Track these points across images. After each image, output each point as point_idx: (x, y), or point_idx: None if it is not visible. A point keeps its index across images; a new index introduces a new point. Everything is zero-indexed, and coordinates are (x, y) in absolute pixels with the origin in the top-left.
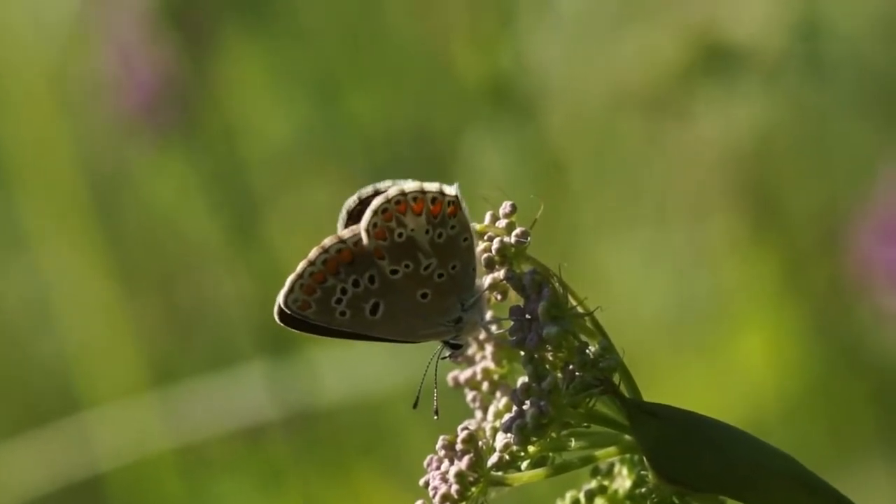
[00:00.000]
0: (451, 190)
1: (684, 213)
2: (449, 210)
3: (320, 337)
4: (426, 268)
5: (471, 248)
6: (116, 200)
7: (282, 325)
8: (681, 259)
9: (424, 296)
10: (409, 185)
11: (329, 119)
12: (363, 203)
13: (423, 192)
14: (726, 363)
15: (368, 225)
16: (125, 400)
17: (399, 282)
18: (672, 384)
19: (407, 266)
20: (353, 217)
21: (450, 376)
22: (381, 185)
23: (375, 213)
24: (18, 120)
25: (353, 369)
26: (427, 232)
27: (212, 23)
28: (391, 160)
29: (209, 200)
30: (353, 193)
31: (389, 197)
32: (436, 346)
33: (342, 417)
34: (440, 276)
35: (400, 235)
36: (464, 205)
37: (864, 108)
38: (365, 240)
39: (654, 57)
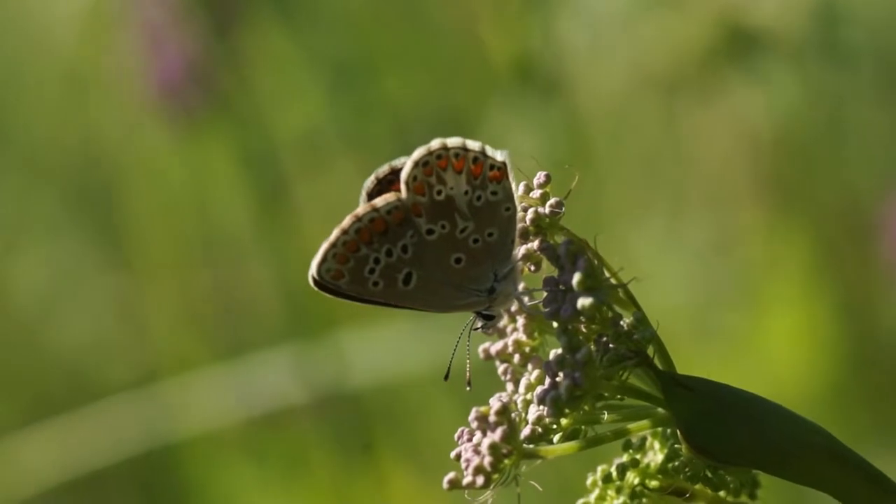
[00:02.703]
0: (496, 154)
1: (706, 197)
2: (491, 174)
3: (346, 317)
4: (462, 230)
5: (512, 219)
6: (141, 182)
7: (317, 289)
8: (703, 244)
9: (458, 261)
10: (452, 141)
11: (358, 100)
12: (394, 173)
13: (465, 149)
14: (750, 350)
15: (408, 177)
16: (148, 385)
17: (434, 242)
18: (694, 371)
19: (443, 227)
20: (381, 187)
21: (481, 348)
22: (397, 163)
23: (416, 164)
24: (42, 103)
25: (379, 351)
26: (466, 193)
27: (241, 3)
28: (420, 141)
29: (237, 181)
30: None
31: (432, 149)
32: (466, 320)
33: (368, 399)
34: (475, 241)
35: (439, 193)
36: (511, 174)
37: (884, 94)
38: (404, 193)
39: (676, 41)
